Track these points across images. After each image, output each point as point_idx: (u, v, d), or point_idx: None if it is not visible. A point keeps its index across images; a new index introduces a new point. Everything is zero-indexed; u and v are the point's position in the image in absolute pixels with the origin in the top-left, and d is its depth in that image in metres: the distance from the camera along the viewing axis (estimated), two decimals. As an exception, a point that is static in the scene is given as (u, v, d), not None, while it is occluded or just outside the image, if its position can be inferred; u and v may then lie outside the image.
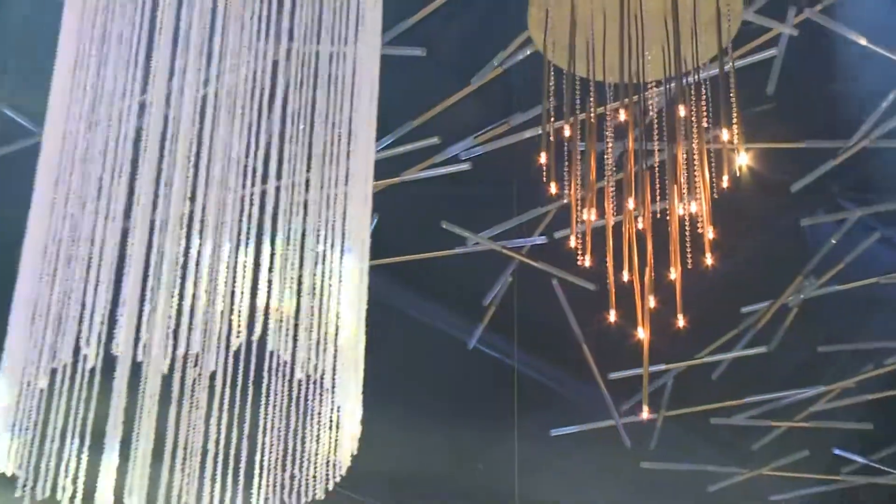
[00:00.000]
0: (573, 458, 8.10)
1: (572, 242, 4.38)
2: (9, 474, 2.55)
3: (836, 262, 7.18)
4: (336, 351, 2.65)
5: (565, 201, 6.80)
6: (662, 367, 7.75)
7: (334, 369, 2.64)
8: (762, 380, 8.07)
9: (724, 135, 4.29)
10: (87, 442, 2.50)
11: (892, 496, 9.03)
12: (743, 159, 4.33)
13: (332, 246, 2.68)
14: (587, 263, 4.41)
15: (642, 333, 4.44)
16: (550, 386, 8.45)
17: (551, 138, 4.41)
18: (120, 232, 2.56)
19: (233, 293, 2.51)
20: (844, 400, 8.08)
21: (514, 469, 7.58)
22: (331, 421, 2.76)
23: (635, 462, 8.45)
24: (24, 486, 2.51)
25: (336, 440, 2.75)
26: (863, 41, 5.86)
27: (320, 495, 2.71)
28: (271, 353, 2.59)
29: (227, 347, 2.50)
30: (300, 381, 2.68)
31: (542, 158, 4.35)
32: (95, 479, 2.42)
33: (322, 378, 2.64)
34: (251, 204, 2.59)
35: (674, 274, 4.33)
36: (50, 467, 2.50)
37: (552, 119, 4.54)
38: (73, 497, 2.47)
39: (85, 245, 2.58)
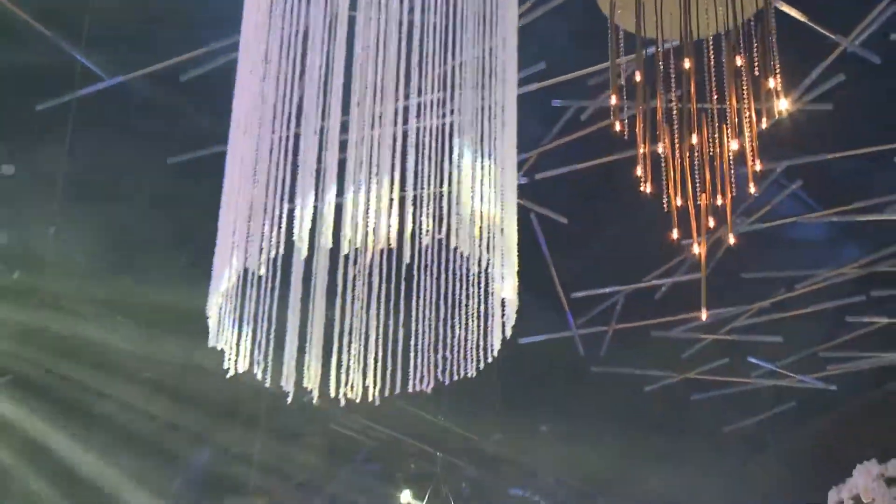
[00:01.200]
0: (539, 362, 8.93)
1: (638, 171, 4.48)
2: (218, 348, 2.79)
3: (763, 205, 7.68)
4: (499, 247, 2.89)
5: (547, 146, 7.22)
6: (617, 288, 8.54)
7: (497, 264, 2.88)
8: (695, 300, 8.80)
9: (770, 83, 4.39)
10: (274, 326, 2.73)
11: (790, 394, 10.00)
12: (783, 104, 4.49)
13: (495, 161, 2.93)
14: (648, 189, 4.52)
15: (697, 249, 4.69)
16: (521, 301, 9.14)
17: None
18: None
19: (420, 198, 2.74)
20: (761, 317, 8.76)
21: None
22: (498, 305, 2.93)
23: (587, 366, 9.33)
24: (230, 360, 2.78)
25: (502, 324, 2.94)
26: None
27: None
28: (454, 249, 2.78)
29: (419, 244, 2.73)
30: (475, 274, 2.83)
31: (613, 100, 4.50)
32: (281, 357, 2.67)
33: (488, 271, 2.85)
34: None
35: (721, 200, 4.53)
36: (246, 347, 2.76)
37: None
38: (264, 370, 2.75)
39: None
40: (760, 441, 10.58)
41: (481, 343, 2.90)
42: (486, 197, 2.87)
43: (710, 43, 4.72)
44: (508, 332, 2.98)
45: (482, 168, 2.88)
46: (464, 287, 2.87)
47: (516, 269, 3.01)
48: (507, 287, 2.93)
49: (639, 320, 8.84)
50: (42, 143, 6.88)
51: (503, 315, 2.94)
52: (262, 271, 2.70)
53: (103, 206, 7.10)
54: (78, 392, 7.77)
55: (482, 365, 2.91)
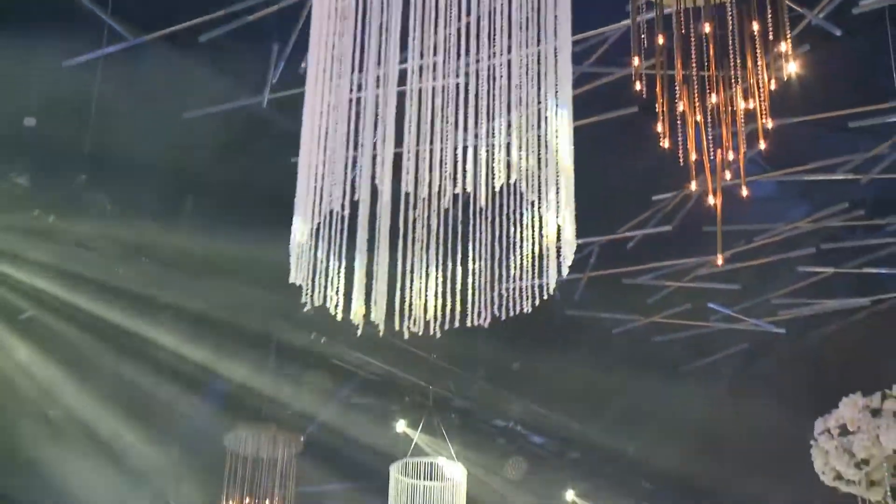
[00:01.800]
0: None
1: (659, 128, 4.64)
2: (298, 283, 2.95)
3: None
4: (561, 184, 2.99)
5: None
6: (592, 239, 8.94)
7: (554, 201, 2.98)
8: (663, 251, 9.29)
9: (782, 46, 4.63)
10: (344, 262, 2.88)
11: (743, 337, 10.57)
12: (792, 67, 4.73)
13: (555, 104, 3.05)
14: (666, 145, 4.65)
15: (712, 200, 4.83)
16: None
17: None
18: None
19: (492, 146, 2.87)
20: (721, 267, 9.03)
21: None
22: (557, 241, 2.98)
23: (562, 309, 9.84)
24: (307, 294, 2.93)
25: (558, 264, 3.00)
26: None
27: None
28: (511, 192, 2.90)
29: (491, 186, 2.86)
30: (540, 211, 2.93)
31: (635, 62, 4.63)
32: (351, 291, 2.81)
33: (541, 211, 2.93)
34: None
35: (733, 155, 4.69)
36: (320, 281, 2.91)
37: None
38: (336, 304, 2.89)
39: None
40: (715, 377, 11.11)
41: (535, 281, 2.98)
42: (545, 139, 2.99)
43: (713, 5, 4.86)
44: (565, 272, 3.04)
45: (540, 111, 3.00)
46: (519, 229, 2.97)
47: (573, 209, 3.10)
48: (566, 228, 3.02)
49: (611, 269, 9.27)
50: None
51: (559, 255, 3.02)
52: (339, 211, 2.87)
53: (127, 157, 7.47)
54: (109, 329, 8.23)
55: (537, 301, 3.00)
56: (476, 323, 2.98)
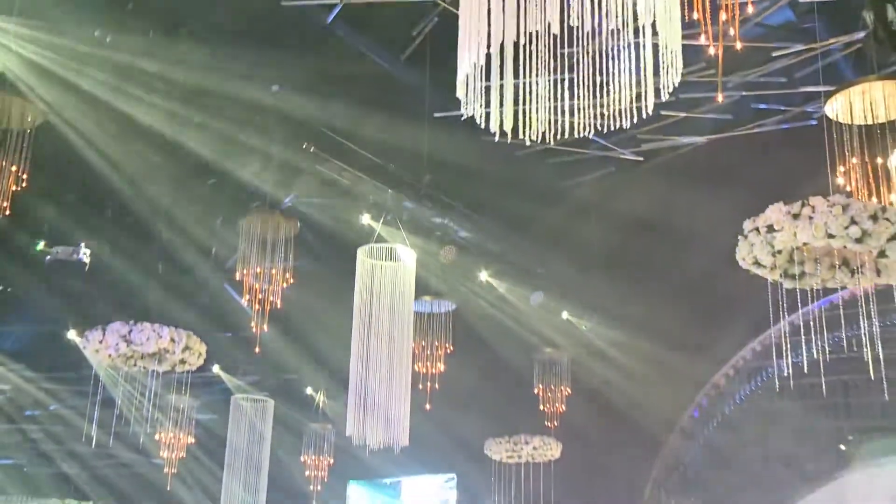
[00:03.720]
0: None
1: None
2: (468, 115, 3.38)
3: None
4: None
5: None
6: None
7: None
8: None
9: None
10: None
11: (612, 162, 11.91)
12: None
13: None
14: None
15: (713, 50, 5.32)
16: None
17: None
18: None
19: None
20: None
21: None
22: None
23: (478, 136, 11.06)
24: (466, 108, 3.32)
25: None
26: None
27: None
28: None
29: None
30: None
31: None
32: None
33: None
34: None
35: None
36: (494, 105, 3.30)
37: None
38: (501, 125, 3.37)
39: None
40: (585, 196, 12.38)
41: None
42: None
43: None
44: (677, 80, 3.34)
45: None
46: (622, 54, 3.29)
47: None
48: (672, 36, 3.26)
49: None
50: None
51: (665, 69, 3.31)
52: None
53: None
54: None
55: (635, 120, 3.49)
56: (580, 135, 3.67)
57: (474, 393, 12.88)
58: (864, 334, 6.74)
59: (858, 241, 5.40)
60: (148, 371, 9.65)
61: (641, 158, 11.37)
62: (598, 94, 3.48)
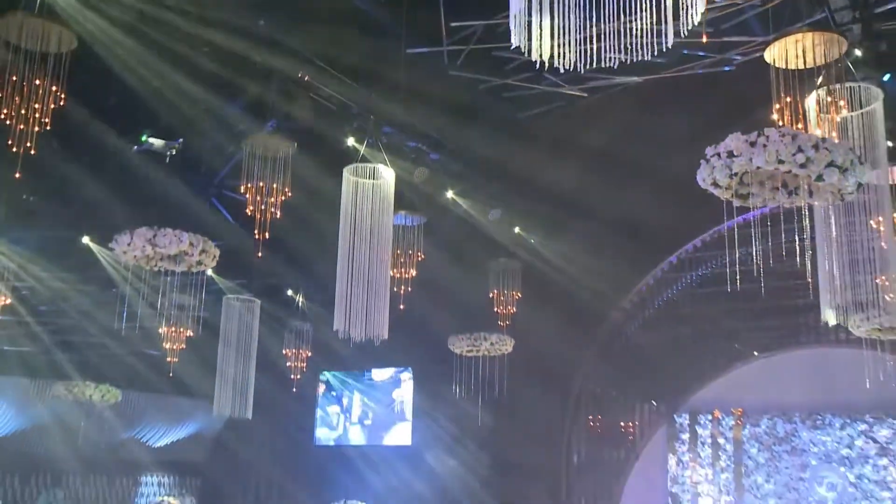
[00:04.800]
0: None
1: None
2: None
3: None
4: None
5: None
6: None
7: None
8: None
9: None
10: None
11: (560, 98, 12.88)
12: None
13: None
14: None
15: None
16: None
17: None
18: None
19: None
20: None
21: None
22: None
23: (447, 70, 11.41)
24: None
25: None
26: None
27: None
28: None
29: None
30: None
31: None
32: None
33: None
34: None
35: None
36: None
37: None
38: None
39: None
40: (537, 126, 12.98)
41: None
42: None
43: None
44: (699, 16, 3.54)
45: None
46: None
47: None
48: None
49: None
50: None
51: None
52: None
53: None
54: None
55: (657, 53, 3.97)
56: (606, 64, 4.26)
57: (439, 296, 13.68)
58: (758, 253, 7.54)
59: (803, 166, 5.71)
60: (158, 272, 10.28)
61: (585, 95, 12.06)
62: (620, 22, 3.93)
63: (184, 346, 13.51)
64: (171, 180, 11.61)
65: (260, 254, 10.79)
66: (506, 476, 17.06)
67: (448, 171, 12.80)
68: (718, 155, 5.87)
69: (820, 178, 5.76)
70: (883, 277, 7.81)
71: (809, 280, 14.74)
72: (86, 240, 12.60)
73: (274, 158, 10.39)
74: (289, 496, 17.74)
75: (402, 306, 11.89)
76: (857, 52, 7.91)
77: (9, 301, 11.85)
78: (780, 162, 5.64)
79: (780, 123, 7.10)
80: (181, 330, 13.45)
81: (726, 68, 11.32)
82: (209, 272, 14.11)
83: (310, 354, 16.18)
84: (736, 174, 5.88)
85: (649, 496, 17.70)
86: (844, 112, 6.94)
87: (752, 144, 5.72)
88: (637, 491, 17.99)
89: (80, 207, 12.12)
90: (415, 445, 19.05)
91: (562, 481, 18.34)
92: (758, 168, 5.74)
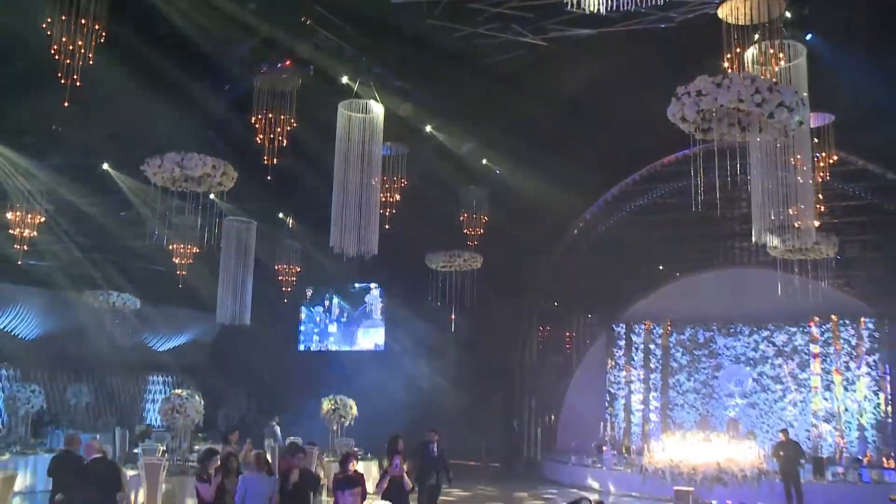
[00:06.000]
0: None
1: None
2: None
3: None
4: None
5: None
6: None
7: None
8: None
9: None
10: None
11: (522, 47, 13.59)
12: None
13: None
14: None
15: None
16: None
17: None
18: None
19: None
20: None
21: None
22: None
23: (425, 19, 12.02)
24: None
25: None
26: None
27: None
28: None
29: None
30: None
31: None
32: None
33: None
34: None
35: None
36: None
37: None
38: None
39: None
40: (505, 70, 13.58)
41: None
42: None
43: None
44: None
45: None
46: None
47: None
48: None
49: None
50: None
51: None
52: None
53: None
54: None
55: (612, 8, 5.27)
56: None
57: (418, 218, 14.36)
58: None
59: (758, 105, 6.06)
60: (169, 195, 10.71)
61: (546, 44, 12.65)
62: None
63: (191, 260, 14.02)
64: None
65: (270, 177, 11.24)
66: (472, 377, 18.17)
67: (428, 109, 13.31)
68: (689, 94, 6.08)
69: (771, 115, 6.07)
70: (797, 206, 8.62)
71: (729, 213, 15.86)
72: (105, 166, 12.97)
73: (282, 92, 10.92)
74: (279, 393, 18.62)
75: (387, 226, 12.53)
76: (787, 14, 8.54)
77: (43, 219, 12.24)
78: (741, 101, 5.92)
79: (730, 71, 7.49)
80: (188, 247, 13.98)
81: (663, 25, 12.02)
82: (212, 196, 14.59)
83: (299, 270, 16.88)
84: (702, 111, 6.11)
85: (590, 392, 19.11)
86: (783, 63, 7.47)
87: (718, 85, 5.99)
88: (580, 388, 19.38)
89: (102, 137, 12.42)
90: (389, 351, 20.13)
91: (516, 380, 19.64)
92: (721, 106, 5.98)
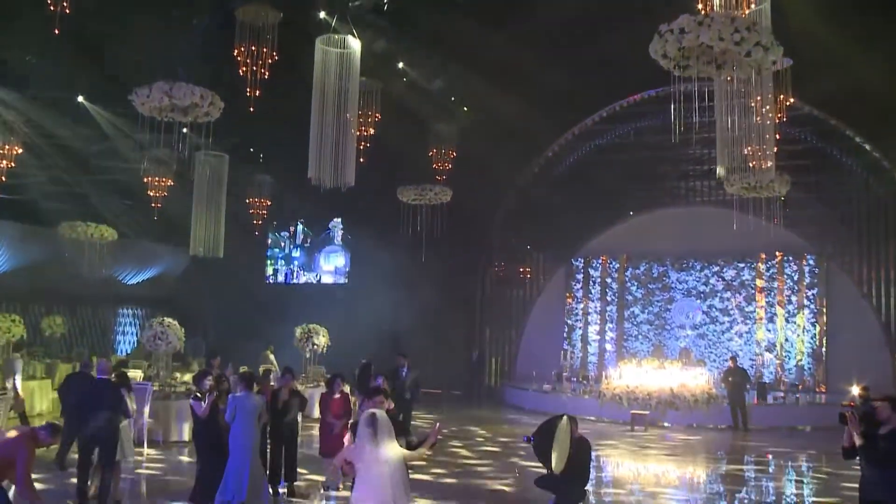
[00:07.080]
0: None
1: None
2: None
3: None
4: None
5: None
6: None
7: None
8: None
9: None
10: None
11: None
12: None
13: None
14: None
15: None
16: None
17: None
18: None
19: None
20: None
21: None
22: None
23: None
24: None
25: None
26: None
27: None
28: None
29: None
30: None
31: None
32: None
33: None
34: None
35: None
36: None
37: None
38: None
39: None
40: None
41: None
42: None
43: None
44: None
45: None
46: None
47: None
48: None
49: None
50: None
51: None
52: None
53: None
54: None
55: None
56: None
57: (388, 152, 14.51)
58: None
59: (737, 44, 6.17)
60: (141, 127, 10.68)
61: None
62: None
63: (165, 193, 13.99)
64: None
65: (252, 109, 11.24)
66: (436, 309, 18.64)
67: (400, 45, 13.47)
68: (672, 31, 6.19)
69: (749, 54, 6.27)
70: (753, 146, 8.99)
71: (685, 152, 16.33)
72: (80, 98, 12.80)
73: (262, 25, 10.89)
74: (249, 323, 18.82)
75: (362, 160, 12.69)
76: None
77: (20, 150, 12.08)
78: (721, 39, 6.05)
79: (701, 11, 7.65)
80: (162, 179, 13.94)
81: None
82: (185, 130, 14.49)
83: (269, 203, 16.95)
84: (683, 48, 6.24)
85: (549, 324, 19.83)
86: (753, 6, 7.76)
87: (700, 24, 6.14)
88: (540, 320, 20.08)
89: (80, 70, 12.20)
90: (356, 284, 20.48)
91: (476, 312, 20.24)
92: (702, 44, 6.11)
